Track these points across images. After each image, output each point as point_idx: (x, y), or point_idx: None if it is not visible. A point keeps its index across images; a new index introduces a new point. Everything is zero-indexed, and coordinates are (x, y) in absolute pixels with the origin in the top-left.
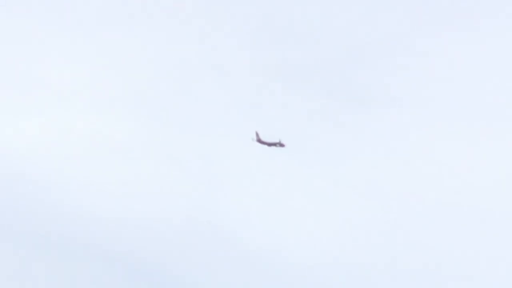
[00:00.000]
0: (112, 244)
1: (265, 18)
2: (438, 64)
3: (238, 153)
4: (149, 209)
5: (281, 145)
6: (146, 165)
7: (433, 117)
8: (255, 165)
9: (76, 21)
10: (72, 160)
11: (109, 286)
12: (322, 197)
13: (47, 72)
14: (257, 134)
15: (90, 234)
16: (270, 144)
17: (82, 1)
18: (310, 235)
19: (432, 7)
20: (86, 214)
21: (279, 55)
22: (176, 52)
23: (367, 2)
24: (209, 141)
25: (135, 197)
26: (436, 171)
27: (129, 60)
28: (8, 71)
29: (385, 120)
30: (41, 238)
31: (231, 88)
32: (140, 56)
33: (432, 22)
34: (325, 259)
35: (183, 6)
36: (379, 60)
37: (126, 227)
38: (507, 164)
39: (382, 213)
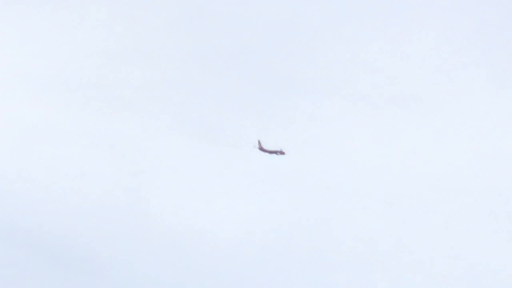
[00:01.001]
0: (43, 229)
1: (190, 4)
2: (366, 51)
3: (165, 139)
4: (78, 193)
5: (282, 153)
6: (75, 149)
7: (360, 104)
8: (183, 151)
9: None
10: None
11: (41, 269)
12: (245, 183)
13: None
14: (259, 143)
15: (20, 218)
16: (271, 152)
17: None
18: (230, 218)
19: None
20: (13, 199)
21: (204, 42)
22: (98, 36)
23: None
24: (133, 124)
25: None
26: (363, 157)
27: (51, 42)
28: None
29: (311, 107)
30: None
31: (155, 74)
32: (61, 37)
33: (359, 8)
34: (246, 239)
35: None
36: (305, 48)
37: (54, 211)
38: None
39: (299, 199)
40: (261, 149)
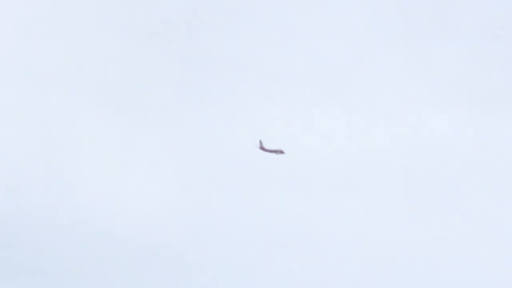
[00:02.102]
0: None
1: None
2: (282, 30)
3: (80, 115)
4: None
5: (281, 152)
6: None
7: (277, 82)
8: (104, 127)
9: None
10: None
11: None
12: (165, 161)
13: None
14: (260, 142)
15: None
16: (271, 151)
17: None
18: (150, 196)
19: None
20: None
21: (129, 16)
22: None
23: None
24: (54, 100)
25: None
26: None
27: None
28: None
29: (232, 85)
30: None
31: (75, 49)
32: None
33: None
34: (164, 218)
35: None
36: (228, 25)
37: None
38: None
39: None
40: (262, 148)
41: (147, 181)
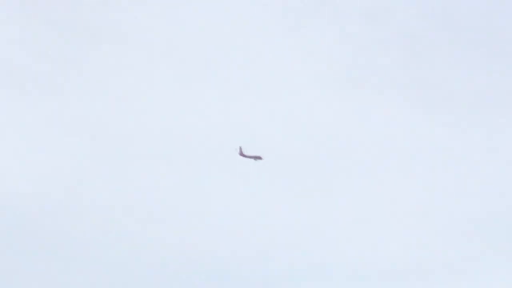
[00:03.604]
0: None
1: None
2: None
3: None
4: None
5: (259, 158)
6: None
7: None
8: None
9: None
10: None
11: None
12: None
13: None
14: (240, 149)
15: None
16: (250, 157)
17: None
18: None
19: None
20: None
21: None
22: None
23: None
24: None
25: None
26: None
27: None
28: None
29: (111, 56)
30: None
31: None
32: None
33: None
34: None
35: None
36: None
37: None
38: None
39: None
40: (242, 154)
41: (24, 151)
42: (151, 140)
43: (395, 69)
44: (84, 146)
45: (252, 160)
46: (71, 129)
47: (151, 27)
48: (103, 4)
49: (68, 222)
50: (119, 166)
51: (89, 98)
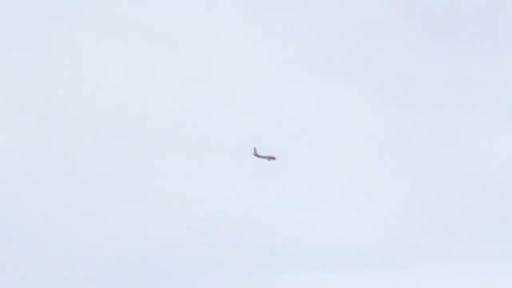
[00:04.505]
0: None
1: None
2: None
3: None
4: None
5: (273, 158)
6: None
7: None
8: None
9: None
10: None
11: None
12: None
13: None
14: (254, 149)
15: None
16: (264, 157)
17: None
18: None
19: None
20: None
21: None
22: None
23: None
24: None
25: None
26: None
27: None
28: None
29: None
30: None
31: None
32: None
33: None
34: None
35: None
36: None
37: None
38: None
39: None
40: (256, 154)
41: None
42: (102, 118)
43: (357, 54)
44: (38, 124)
45: (266, 160)
46: (24, 107)
47: (111, 6)
48: None
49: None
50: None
51: (44, 76)
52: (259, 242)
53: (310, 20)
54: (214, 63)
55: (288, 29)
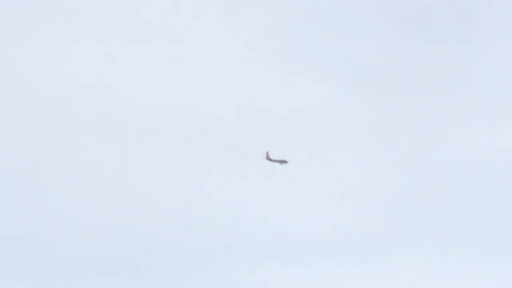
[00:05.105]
0: None
1: None
2: None
3: None
4: None
5: (285, 162)
6: None
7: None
8: None
9: None
10: None
11: None
12: None
13: None
14: (267, 153)
15: None
16: (276, 161)
17: None
18: None
19: None
20: None
21: None
22: None
23: None
24: None
25: None
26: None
27: None
28: None
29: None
30: None
31: None
32: None
33: None
34: None
35: None
36: None
37: None
38: None
39: None
40: (268, 159)
41: None
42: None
43: (325, 46)
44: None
45: (278, 164)
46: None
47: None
48: None
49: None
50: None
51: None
52: (246, 235)
53: (283, 9)
54: (186, 54)
55: (262, 20)
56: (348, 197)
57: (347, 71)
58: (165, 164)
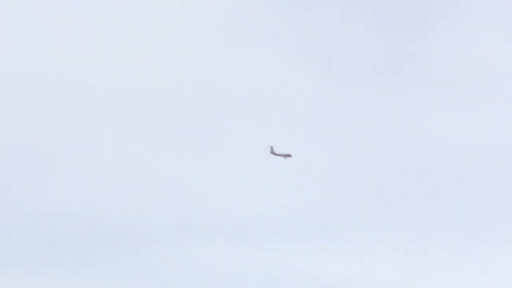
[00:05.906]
0: None
1: None
2: None
3: None
4: None
5: (289, 156)
6: None
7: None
8: None
9: None
10: None
11: None
12: None
13: None
14: (271, 148)
15: None
16: (280, 155)
17: None
18: None
19: None
20: None
21: None
22: None
23: None
24: None
25: None
26: None
27: None
28: None
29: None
30: None
31: None
32: None
33: None
34: None
35: None
36: None
37: None
38: None
39: None
40: (273, 153)
41: None
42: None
43: (287, 26)
44: None
45: (282, 158)
46: None
47: None
48: None
49: None
50: None
51: None
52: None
53: None
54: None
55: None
56: (297, 175)
57: (303, 54)
58: (169, 164)
